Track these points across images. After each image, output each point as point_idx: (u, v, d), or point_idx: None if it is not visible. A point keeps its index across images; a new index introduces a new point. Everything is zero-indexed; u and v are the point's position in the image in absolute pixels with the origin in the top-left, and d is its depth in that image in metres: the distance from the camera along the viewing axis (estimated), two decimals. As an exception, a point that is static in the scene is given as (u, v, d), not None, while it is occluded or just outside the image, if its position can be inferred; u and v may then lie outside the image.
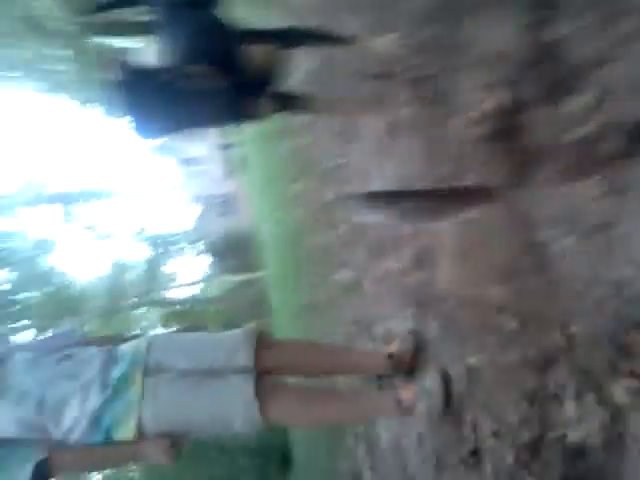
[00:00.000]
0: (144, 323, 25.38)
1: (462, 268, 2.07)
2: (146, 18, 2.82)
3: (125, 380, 1.96)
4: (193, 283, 27.60)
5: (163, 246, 24.93)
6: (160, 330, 25.67)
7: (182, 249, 26.02)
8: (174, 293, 27.31)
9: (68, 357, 2.02)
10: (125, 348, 2.09)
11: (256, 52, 2.18)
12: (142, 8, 2.86)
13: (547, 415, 1.59)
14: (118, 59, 2.03)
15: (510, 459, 1.74)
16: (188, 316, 24.90)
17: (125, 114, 2.01)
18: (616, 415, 1.33)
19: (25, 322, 21.06)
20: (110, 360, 2.02)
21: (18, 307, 20.75)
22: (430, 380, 2.15)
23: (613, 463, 1.34)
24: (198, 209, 28.36)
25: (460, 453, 2.04)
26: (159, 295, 25.98)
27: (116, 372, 1.99)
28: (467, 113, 1.89)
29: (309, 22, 3.62)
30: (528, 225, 1.63)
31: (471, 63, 1.88)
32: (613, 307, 1.35)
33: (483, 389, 1.93)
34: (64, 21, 13.62)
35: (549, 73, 1.50)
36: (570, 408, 1.49)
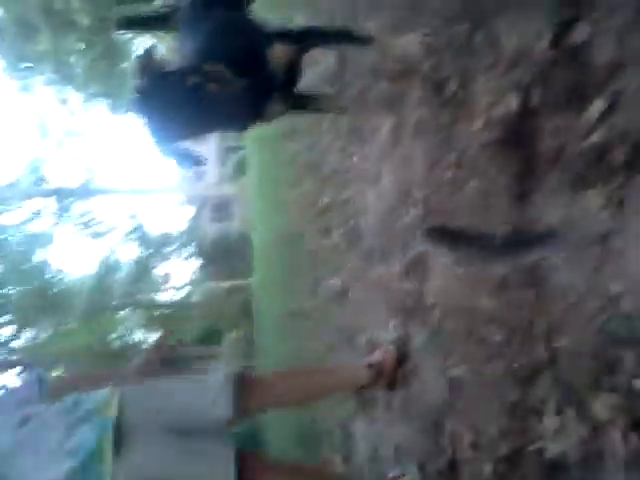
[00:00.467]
0: (127, 324, 25.27)
1: (451, 279, 2.05)
2: (167, 13, 2.77)
3: (92, 456, 1.78)
4: (180, 287, 27.50)
5: (154, 247, 24.83)
6: (143, 333, 25.59)
7: (173, 251, 25.92)
8: (161, 296, 27.20)
9: (27, 420, 1.85)
10: (93, 404, 1.91)
11: (278, 52, 2.16)
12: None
13: (527, 428, 1.57)
14: (140, 60, 1.92)
15: (488, 471, 1.72)
16: (172, 321, 24.80)
17: (143, 119, 1.90)
18: (596, 430, 1.32)
19: (6, 317, 20.92)
20: (76, 422, 1.85)
21: (0, 301, 20.60)
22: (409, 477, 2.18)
23: (591, 478, 1.33)
24: (192, 211, 28.33)
25: (438, 464, 2.02)
26: (145, 297, 25.87)
27: (83, 440, 1.81)
28: (478, 116, 1.89)
29: (329, 21, 3.64)
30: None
31: (489, 64, 1.87)
32: (599, 322, 1.34)
33: (464, 400, 1.92)
34: (82, 13, 13.69)
35: (570, 77, 1.49)
36: (550, 422, 1.47)
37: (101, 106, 20.92)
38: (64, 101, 19.74)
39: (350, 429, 3.06)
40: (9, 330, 21.63)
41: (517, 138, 1.68)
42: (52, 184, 22.08)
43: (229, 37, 2.19)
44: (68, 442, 1.79)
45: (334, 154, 3.71)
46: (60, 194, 21.54)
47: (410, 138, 2.43)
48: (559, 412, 1.44)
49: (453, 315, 2.03)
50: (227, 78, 1.90)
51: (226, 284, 21.57)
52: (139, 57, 1.94)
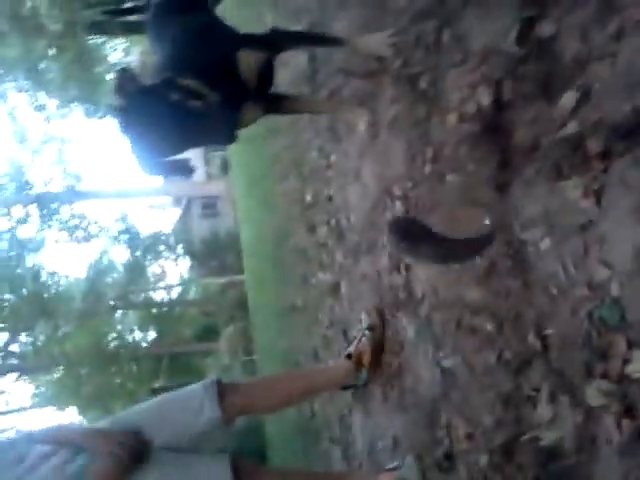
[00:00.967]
0: (124, 325, 25.26)
1: (439, 270, 2.06)
2: (138, 18, 2.71)
3: None
4: (174, 285, 27.49)
5: (144, 248, 24.74)
6: (137, 333, 25.59)
7: (163, 251, 25.84)
8: (155, 295, 27.18)
9: (23, 458, 1.86)
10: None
11: (247, 58, 2.12)
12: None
13: (521, 417, 1.59)
14: (117, 79, 1.86)
15: (484, 462, 1.74)
16: (167, 319, 24.82)
17: (127, 138, 1.86)
18: (590, 417, 1.33)
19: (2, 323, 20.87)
20: (75, 451, 1.88)
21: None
22: (407, 469, 2.17)
23: (586, 465, 1.34)
24: (179, 211, 28.27)
25: (434, 456, 2.04)
26: (140, 297, 25.84)
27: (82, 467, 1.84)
28: (452, 111, 1.89)
29: (298, 20, 3.63)
30: (506, 226, 1.63)
31: (458, 60, 1.88)
32: (587, 309, 1.35)
33: (458, 391, 1.93)
34: (52, 19, 13.52)
35: (539, 71, 1.50)
36: (544, 410, 1.48)
37: (77, 111, 20.72)
38: (39, 107, 19.52)
39: (348, 422, 3.08)
40: (5, 335, 21.62)
41: (491, 131, 1.68)
42: (36, 189, 21.91)
43: (197, 46, 2.14)
44: (68, 469, 1.82)
45: (313, 152, 3.72)
46: (44, 199, 21.39)
47: (386, 135, 2.44)
48: (552, 400, 1.45)
49: (442, 306, 2.04)
50: (202, 93, 1.87)
51: (221, 280, 21.58)
52: (116, 76, 1.90)
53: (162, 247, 25.40)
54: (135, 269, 24.19)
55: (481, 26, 1.75)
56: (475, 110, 1.75)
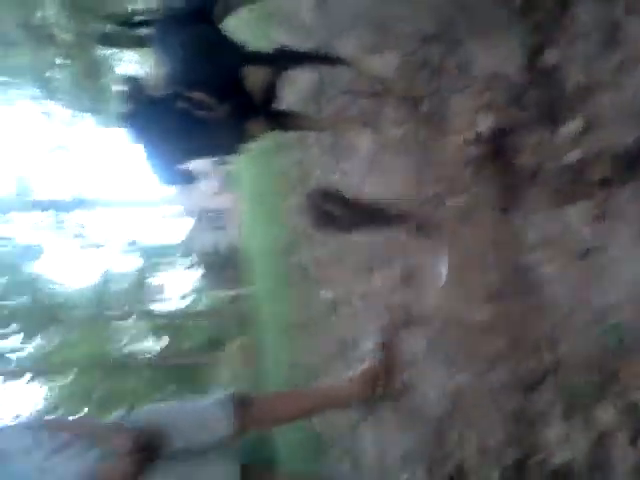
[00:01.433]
0: (132, 334, 25.17)
1: (449, 288, 2.08)
2: (148, 32, 2.75)
3: None
4: (182, 297, 27.40)
5: (154, 258, 24.73)
6: (146, 343, 25.51)
7: (173, 262, 25.81)
8: (162, 306, 27.11)
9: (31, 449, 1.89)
10: None
11: (253, 74, 2.17)
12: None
13: (533, 435, 1.59)
14: (126, 85, 1.91)
15: (495, 478, 1.75)
16: (174, 330, 24.74)
17: (139, 146, 1.91)
18: (602, 438, 1.34)
19: (11, 328, 20.91)
20: (87, 445, 1.92)
21: (5, 312, 20.62)
22: None
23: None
24: (190, 222, 28.22)
25: (445, 470, 2.05)
26: (147, 307, 25.78)
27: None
28: (459, 135, 1.92)
29: (306, 39, 3.65)
30: (516, 248, 1.65)
31: (466, 85, 1.91)
32: (594, 332, 1.37)
33: (469, 408, 1.94)
34: (65, 29, 13.61)
35: (543, 98, 1.53)
36: (556, 429, 1.49)
37: (87, 120, 20.78)
38: (49, 116, 19.62)
39: (357, 436, 3.09)
40: (14, 340, 21.62)
41: (495, 156, 1.71)
42: (45, 197, 21.98)
43: (205, 59, 2.19)
44: (81, 462, 1.86)
45: (320, 169, 3.74)
46: (54, 207, 21.45)
47: (390, 155, 2.47)
48: (565, 419, 1.46)
49: (451, 325, 2.05)
50: (210, 105, 1.93)
51: (230, 292, 21.50)
52: (124, 85, 1.95)
53: (173, 257, 25.37)
54: (145, 278, 24.18)
55: (486, 52, 1.78)
56: (479, 134, 1.78)
